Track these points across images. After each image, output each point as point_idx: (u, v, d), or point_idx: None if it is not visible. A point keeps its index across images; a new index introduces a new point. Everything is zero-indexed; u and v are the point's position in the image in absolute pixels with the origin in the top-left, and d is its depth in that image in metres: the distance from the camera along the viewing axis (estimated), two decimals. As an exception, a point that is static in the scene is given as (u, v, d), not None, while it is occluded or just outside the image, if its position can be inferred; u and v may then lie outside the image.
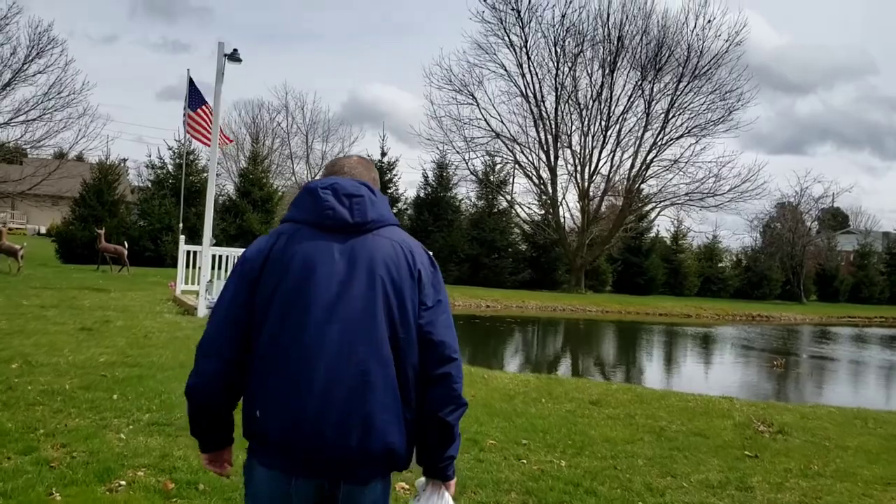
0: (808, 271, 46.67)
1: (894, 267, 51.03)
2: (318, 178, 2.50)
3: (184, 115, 17.40)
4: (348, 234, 2.29)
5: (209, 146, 16.41)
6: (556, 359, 17.57)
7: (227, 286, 2.34)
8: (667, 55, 36.23)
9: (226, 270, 15.69)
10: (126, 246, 24.93)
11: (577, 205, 38.89)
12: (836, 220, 59.14)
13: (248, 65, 76.53)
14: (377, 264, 2.26)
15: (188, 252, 17.73)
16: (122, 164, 43.66)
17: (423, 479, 2.41)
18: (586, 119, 37.33)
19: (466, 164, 38.21)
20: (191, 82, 18.13)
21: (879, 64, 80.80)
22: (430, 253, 2.45)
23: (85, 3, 75.89)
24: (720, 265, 45.74)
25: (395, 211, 38.45)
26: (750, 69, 35.78)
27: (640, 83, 36.55)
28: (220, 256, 15.67)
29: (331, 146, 60.32)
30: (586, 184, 37.42)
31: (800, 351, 21.90)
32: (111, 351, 10.09)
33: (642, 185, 37.68)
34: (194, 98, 17.75)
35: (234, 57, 15.01)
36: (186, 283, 17.71)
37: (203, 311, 14.43)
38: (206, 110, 17.68)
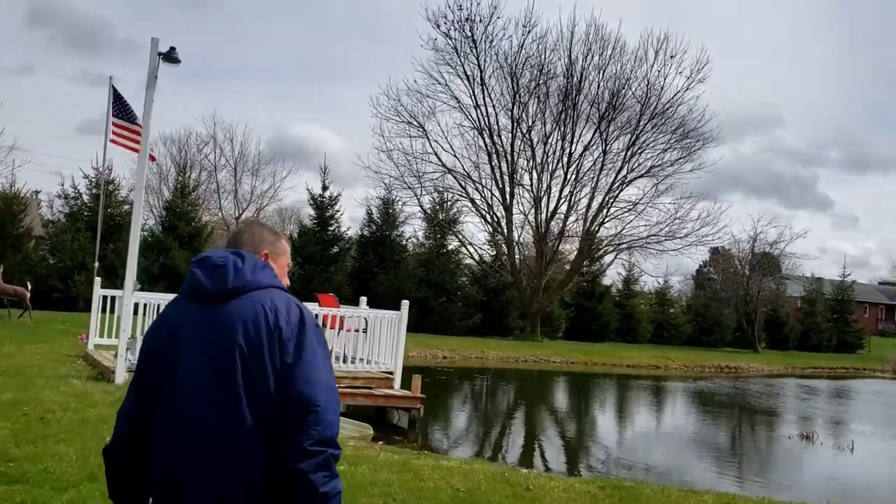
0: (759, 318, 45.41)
1: (841, 314, 50.39)
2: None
3: (107, 122, 14.27)
4: (215, 302, 2.32)
5: (137, 152, 13.33)
6: (582, 437, 14.73)
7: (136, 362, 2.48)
8: (625, 92, 34.58)
9: (151, 321, 12.49)
10: (28, 287, 21.21)
11: (532, 246, 36.60)
12: (768, 265, 58.56)
13: (174, 99, 72.60)
14: (235, 329, 2.28)
15: (104, 297, 14.41)
16: (34, 196, 39.42)
17: None
18: (544, 156, 35.28)
19: (418, 199, 35.57)
20: (115, 92, 15.03)
21: (785, 116, 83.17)
22: (303, 308, 2.39)
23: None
24: (671, 311, 44.01)
25: (336, 250, 35.47)
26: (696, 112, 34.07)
27: (598, 120, 34.72)
28: (146, 304, 12.45)
29: (261, 181, 56.96)
30: (543, 224, 35.16)
31: (811, 414, 19.70)
32: (-14, 448, 6.94)
33: (601, 227, 35.63)
34: (120, 107, 14.64)
35: (170, 57, 12.02)
36: (101, 335, 14.38)
37: (122, 377, 11.21)
38: (134, 125, 14.62)
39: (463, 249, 37.57)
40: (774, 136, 73.40)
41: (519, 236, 36.00)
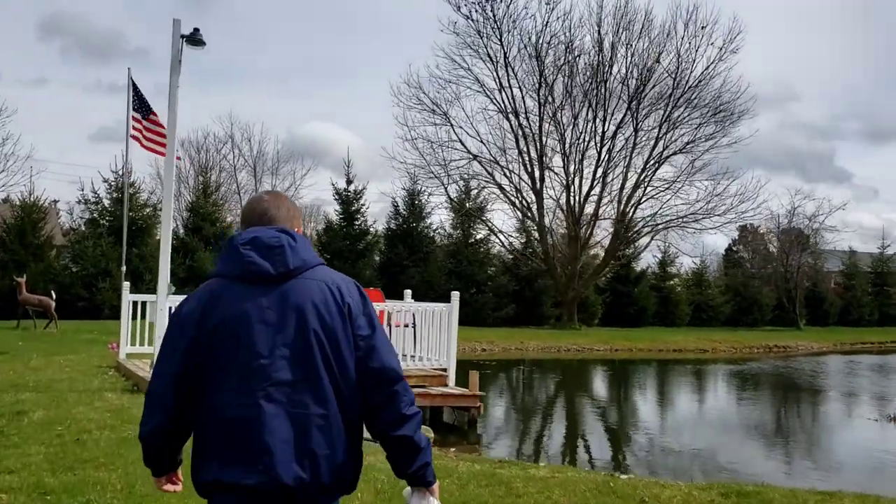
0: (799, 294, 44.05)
1: (881, 287, 48.87)
2: (246, 223, 2.52)
3: (128, 119, 13.39)
4: (274, 283, 2.34)
5: (163, 155, 12.46)
6: (652, 430, 13.48)
7: (165, 341, 2.40)
8: (656, 66, 33.35)
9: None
10: (53, 296, 20.45)
11: (565, 232, 35.51)
12: (798, 240, 56.99)
13: (187, 105, 71.98)
14: (306, 308, 2.32)
15: (134, 303, 13.54)
16: (53, 206, 38.82)
17: (408, 488, 2.48)
18: (574, 137, 34.15)
19: (445, 188, 34.53)
20: (133, 85, 14.15)
21: (800, 90, 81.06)
22: (356, 281, 2.51)
23: (11, 43, 70.65)
24: (709, 292, 42.71)
25: (364, 245, 34.61)
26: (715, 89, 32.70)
27: (629, 98, 33.53)
28: (182, 308, 11.57)
29: (281, 180, 56.19)
30: (578, 207, 34.03)
31: (884, 393, 18.55)
32: (18, 477, 6.09)
33: (636, 209, 34.43)
34: (140, 103, 13.76)
35: (194, 39, 11.09)
36: (132, 342, 13.52)
37: (160, 387, 10.33)
38: (156, 120, 13.74)
39: (492, 238, 36.60)
40: (790, 110, 71.61)
41: (550, 222, 34.88)
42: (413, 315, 12.35)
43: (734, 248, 58.23)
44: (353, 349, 2.34)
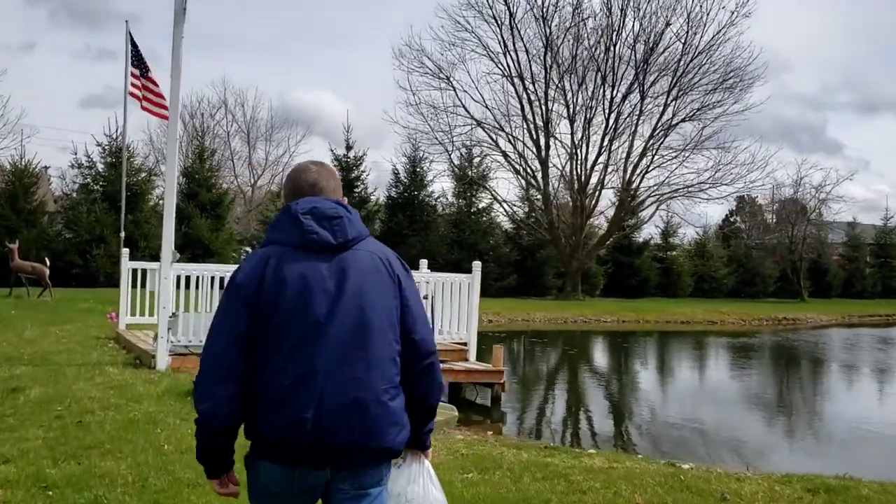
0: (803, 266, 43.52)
1: (884, 259, 48.38)
2: (280, 186, 1.60)
3: (126, 76, 12.53)
4: (333, 252, 2.43)
5: (165, 118, 11.63)
6: (690, 409, 12.40)
7: (223, 309, 2.43)
8: (665, 30, 32.40)
9: (196, 297, 10.86)
10: (47, 263, 19.64)
11: (568, 201, 34.77)
12: (802, 211, 56.32)
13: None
14: (364, 277, 2.43)
15: (133, 270, 12.77)
16: (44, 171, 37.76)
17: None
18: (579, 103, 33.25)
19: (448, 154, 33.67)
20: (132, 41, 13.26)
21: (792, 60, 79.56)
22: (402, 259, 2.61)
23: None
24: (712, 263, 42.10)
25: (365, 213, 33.81)
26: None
27: (637, 63, 32.60)
28: (188, 277, 10.77)
29: (275, 146, 55.24)
30: (584, 175, 33.23)
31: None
32: (16, 467, 5.42)
33: (643, 177, 33.68)
34: (138, 60, 12.88)
35: (198, -14, 10.21)
36: (133, 312, 12.79)
37: (165, 362, 9.62)
38: (154, 80, 12.89)
39: (495, 207, 35.82)
40: (782, 81, 70.50)
41: (555, 191, 34.09)
42: (430, 286, 11.60)
43: (731, 219, 57.73)
44: (399, 319, 2.47)
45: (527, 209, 36.10)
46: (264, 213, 34.29)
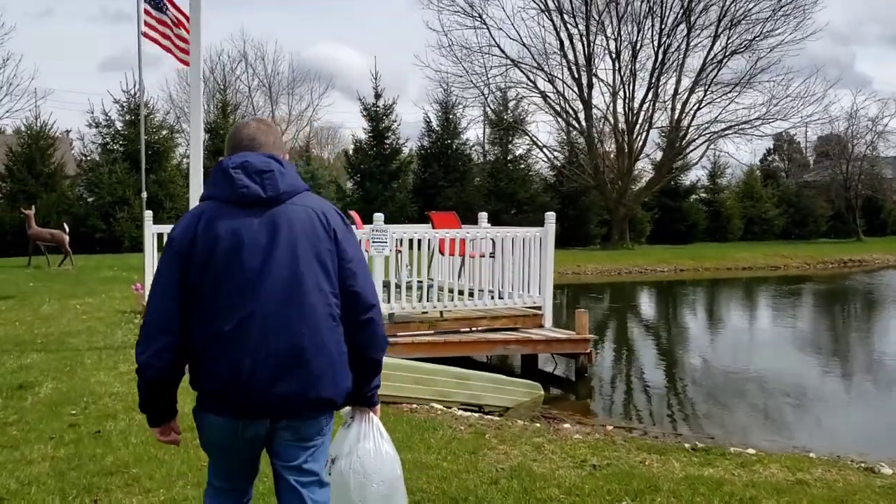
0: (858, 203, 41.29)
1: (942, 194, 45.98)
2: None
3: (139, 12, 10.95)
4: (265, 207, 2.45)
5: (187, 64, 10.11)
6: (810, 377, 10.44)
7: (161, 266, 2.48)
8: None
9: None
10: (66, 229, 18.31)
11: (612, 144, 32.81)
12: (841, 147, 53.63)
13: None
14: (296, 231, 2.46)
15: (158, 234, 11.32)
16: (65, 135, 36.45)
17: (348, 408, 2.68)
18: (625, 37, 31.01)
19: (484, 96, 31.73)
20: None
21: None
22: (341, 212, 2.64)
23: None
24: (761, 204, 40.00)
25: (397, 165, 32.24)
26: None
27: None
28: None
29: (297, 100, 53.60)
30: (632, 115, 31.16)
31: None
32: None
33: (695, 115, 31.54)
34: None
35: None
36: (160, 283, 11.35)
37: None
38: (175, 17, 11.29)
39: (533, 154, 33.90)
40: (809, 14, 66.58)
41: (599, 133, 32.08)
42: (493, 242, 10.00)
43: (769, 159, 55.28)
44: (336, 272, 2.50)
45: (567, 154, 34.18)
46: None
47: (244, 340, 2.38)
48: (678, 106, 31.34)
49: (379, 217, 9.30)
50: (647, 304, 19.25)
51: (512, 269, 9.80)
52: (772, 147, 55.76)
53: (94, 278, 16.19)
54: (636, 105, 31.22)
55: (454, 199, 31.10)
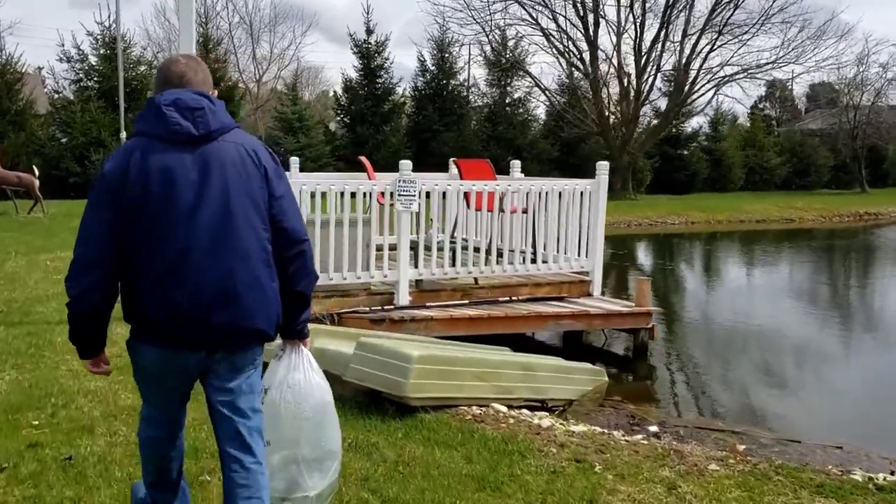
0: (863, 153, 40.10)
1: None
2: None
3: None
4: (196, 144, 2.49)
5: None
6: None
7: (92, 201, 2.50)
8: None
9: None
10: (36, 173, 16.59)
11: (617, 88, 31.17)
12: (824, 97, 52.11)
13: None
14: (227, 168, 2.50)
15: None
16: (37, 72, 34.08)
17: (279, 341, 2.78)
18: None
19: (487, 35, 29.85)
20: None
21: None
22: (270, 150, 2.69)
23: None
24: (763, 153, 38.66)
25: (390, 106, 30.49)
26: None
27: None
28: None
29: (279, 38, 51.26)
30: (639, 56, 29.47)
31: None
32: None
33: (706, 58, 29.87)
34: None
35: None
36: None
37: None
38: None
39: (533, 98, 32.26)
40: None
41: (605, 75, 30.39)
42: (531, 197, 8.49)
43: (760, 106, 53.84)
44: (267, 209, 2.56)
45: (567, 97, 32.49)
46: (279, 110, 30.87)
47: (180, 275, 2.43)
48: (687, 49, 29.66)
49: (406, 165, 7.79)
50: (682, 264, 17.39)
51: (558, 227, 8.37)
52: (763, 94, 54.47)
53: (67, 228, 14.54)
54: (645, 47, 29.51)
55: (451, 143, 29.50)
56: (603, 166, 8.64)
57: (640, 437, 4.97)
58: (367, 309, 7.52)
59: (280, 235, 2.57)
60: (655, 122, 33.15)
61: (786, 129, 43.32)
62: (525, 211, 8.58)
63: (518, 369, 5.75)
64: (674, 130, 34.30)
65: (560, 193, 8.37)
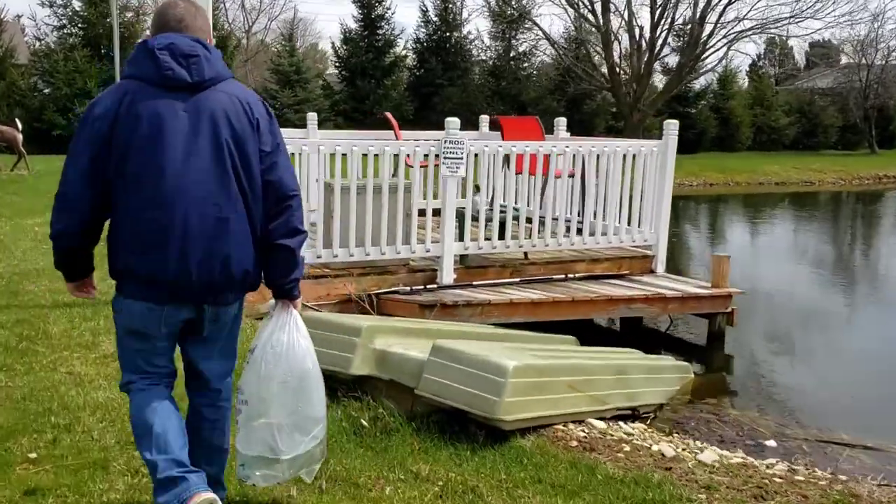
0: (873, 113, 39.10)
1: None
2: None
3: None
4: (189, 91, 2.41)
5: None
6: None
7: (77, 142, 2.42)
8: None
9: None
10: (19, 126, 15.33)
11: (627, 43, 29.87)
12: (828, 55, 50.94)
13: None
14: (219, 118, 2.42)
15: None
16: (16, 20, 32.34)
17: (272, 300, 2.73)
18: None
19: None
20: None
21: None
22: (266, 103, 2.61)
23: None
24: (772, 112, 37.57)
25: (392, 59, 29.14)
26: None
27: None
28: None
29: (271, -16, 49.17)
30: (654, 7, 28.14)
31: None
32: None
33: (724, 12, 28.57)
34: None
35: None
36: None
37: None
38: None
39: (538, 51, 30.93)
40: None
41: (617, 28, 29.07)
42: (584, 158, 7.43)
43: (759, 64, 52.61)
44: (258, 161, 2.49)
45: (574, 51, 31.18)
46: (275, 61, 29.41)
47: (168, 226, 2.38)
48: (702, 1, 28.34)
49: (453, 123, 6.74)
50: (727, 233, 16.08)
51: (620, 194, 7.37)
52: (762, 52, 53.20)
53: (55, 186, 13.41)
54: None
55: (454, 98, 28.30)
56: (672, 124, 7.62)
57: (782, 466, 4.02)
58: (408, 288, 6.56)
59: (271, 189, 2.52)
60: (665, 79, 31.96)
61: (786, 88, 42.11)
62: (572, 175, 7.57)
63: (612, 373, 4.79)
64: (683, 87, 33.11)
65: (624, 156, 7.36)
